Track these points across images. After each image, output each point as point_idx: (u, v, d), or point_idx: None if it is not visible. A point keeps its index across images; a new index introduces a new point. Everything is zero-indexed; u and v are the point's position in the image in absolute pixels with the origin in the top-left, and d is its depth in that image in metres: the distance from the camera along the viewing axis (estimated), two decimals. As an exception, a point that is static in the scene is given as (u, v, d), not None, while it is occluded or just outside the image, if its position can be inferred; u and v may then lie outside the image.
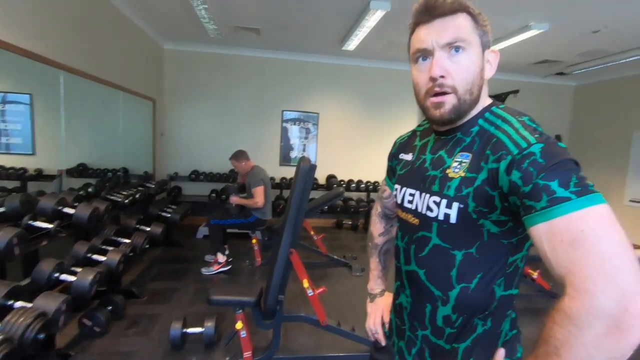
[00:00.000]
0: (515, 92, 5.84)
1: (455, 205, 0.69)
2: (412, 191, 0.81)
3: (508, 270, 0.71)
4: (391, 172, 1.00)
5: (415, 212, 0.79)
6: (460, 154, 0.72)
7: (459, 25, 0.68)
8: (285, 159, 5.75)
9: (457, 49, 0.68)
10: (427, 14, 0.70)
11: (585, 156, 5.92)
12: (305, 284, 2.07)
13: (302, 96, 5.66)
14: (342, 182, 5.64)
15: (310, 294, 2.07)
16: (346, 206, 5.39)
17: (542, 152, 0.59)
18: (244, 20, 4.17)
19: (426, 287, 0.76)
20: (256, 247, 3.73)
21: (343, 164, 5.77)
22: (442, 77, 0.68)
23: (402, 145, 0.95)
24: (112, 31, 3.67)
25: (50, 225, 2.15)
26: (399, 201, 0.86)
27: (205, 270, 3.50)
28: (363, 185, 5.61)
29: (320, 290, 2.11)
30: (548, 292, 3.21)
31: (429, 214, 0.74)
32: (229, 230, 3.73)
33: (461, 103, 0.70)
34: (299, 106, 5.67)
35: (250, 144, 5.51)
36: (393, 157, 0.98)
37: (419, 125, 0.93)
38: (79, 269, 2.11)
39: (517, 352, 0.76)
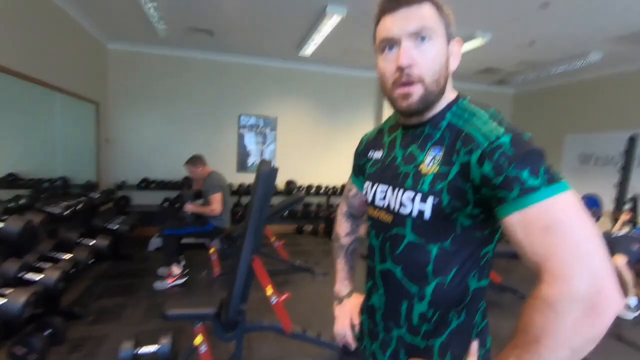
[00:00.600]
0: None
1: (430, 199, 0.68)
2: (384, 187, 0.79)
3: (481, 263, 0.72)
4: (358, 170, 0.98)
5: (387, 209, 0.78)
6: (432, 149, 0.71)
7: (425, 15, 0.67)
8: (242, 166, 5.60)
9: (423, 38, 0.67)
10: (394, 2, 0.69)
11: (525, 158, 6.42)
12: (269, 290, 1.99)
13: (260, 100, 5.57)
14: (301, 187, 5.60)
15: (274, 301, 2.00)
16: (306, 211, 5.36)
17: (511, 143, 0.60)
18: (196, 21, 4.01)
19: (402, 285, 0.75)
20: (214, 257, 3.56)
21: (302, 169, 5.74)
22: (409, 66, 0.67)
23: (369, 142, 0.93)
24: (48, 27, 3.34)
25: (-29, 242, 1.89)
26: (370, 199, 0.84)
27: (158, 284, 3.27)
28: (323, 190, 5.62)
29: (285, 296, 2.04)
30: (498, 285, 3.39)
31: (402, 210, 0.73)
32: (184, 241, 3.53)
33: (428, 93, 0.69)
34: (257, 110, 5.57)
35: (205, 150, 5.27)
36: (360, 155, 0.96)
37: (385, 122, 0.92)
38: (8, 290, 1.86)
39: (487, 342, 0.77)
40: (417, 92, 0.68)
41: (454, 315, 0.73)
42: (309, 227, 5.65)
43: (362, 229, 1.09)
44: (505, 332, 2.80)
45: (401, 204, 0.73)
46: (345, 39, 4.29)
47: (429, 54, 0.67)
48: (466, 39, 4.10)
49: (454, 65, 0.72)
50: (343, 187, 5.65)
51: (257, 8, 3.55)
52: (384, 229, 0.79)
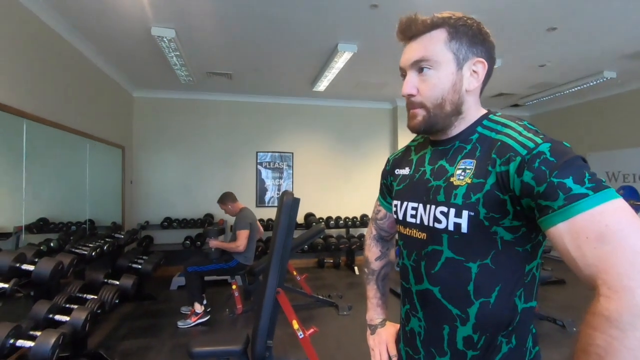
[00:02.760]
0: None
1: (465, 213, 0.66)
2: (415, 204, 0.78)
3: (526, 280, 0.68)
4: (386, 191, 0.97)
5: (421, 226, 0.76)
6: (462, 161, 0.71)
7: (428, 46, 0.71)
8: (260, 201, 5.66)
9: (422, 68, 0.72)
10: (402, 36, 0.75)
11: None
12: (295, 325, 1.94)
13: (276, 137, 5.73)
14: (321, 220, 5.57)
15: (301, 336, 1.94)
16: (327, 244, 5.30)
17: (551, 151, 0.58)
18: (216, 66, 4.26)
19: (442, 306, 0.71)
20: (236, 294, 3.52)
21: (320, 202, 5.75)
22: (410, 95, 0.73)
23: (396, 161, 0.93)
24: (80, 79, 3.61)
25: (5, 285, 1.94)
26: (401, 217, 0.82)
27: (182, 324, 3.23)
28: (342, 222, 5.58)
29: (311, 331, 1.98)
30: (536, 314, 3.20)
31: (437, 225, 0.71)
32: (206, 278, 3.52)
33: (431, 116, 0.72)
34: (273, 147, 5.71)
35: (226, 187, 5.38)
36: (388, 174, 0.95)
37: (413, 141, 0.92)
38: (38, 333, 1.88)
39: None
40: (420, 114, 0.74)
41: (503, 340, 0.68)
42: (330, 260, 5.56)
43: (392, 253, 1.06)
44: (550, 362, 2.59)
45: (435, 219, 0.71)
46: (356, 73, 4.44)
47: (429, 82, 0.71)
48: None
49: (471, 85, 0.72)
50: (363, 217, 5.60)
51: (272, 50, 3.75)
52: (417, 247, 0.76)
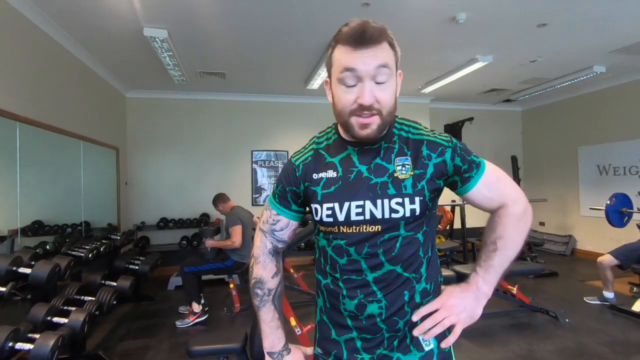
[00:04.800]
0: (470, 119, 6.27)
1: (417, 199, 0.80)
2: (360, 202, 0.80)
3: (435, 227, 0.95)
4: (294, 197, 0.91)
5: (372, 220, 0.80)
6: (398, 158, 0.83)
7: (384, 56, 0.74)
8: (256, 200, 5.67)
9: (381, 80, 0.74)
10: (359, 41, 0.72)
11: (541, 174, 6.34)
12: (293, 322, 1.97)
13: (271, 135, 5.73)
14: (316, 218, 5.60)
15: (298, 333, 1.96)
16: (323, 241, 5.32)
17: (458, 142, 0.87)
18: (209, 66, 4.25)
19: (403, 277, 0.83)
20: (234, 292, 3.55)
21: (316, 199, 5.77)
22: (371, 104, 0.74)
23: (308, 166, 0.89)
24: (73, 81, 3.60)
25: (3, 289, 1.94)
26: (342, 218, 0.81)
27: (180, 323, 3.25)
28: (338, 219, 5.61)
29: (309, 327, 2.01)
30: (529, 306, 3.25)
31: (393, 215, 0.80)
32: (204, 277, 3.54)
33: (384, 123, 0.78)
34: (268, 145, 5.72)
35: (221, 186, 5.39)
36: (300, 180, 0.88)
37: (316, 144, 0.93)
38: (37, 335, 1.88)
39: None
40: (375, 122, 0.76)
41: (441, 280, 0.92)
42: (326, 258, 5.59)
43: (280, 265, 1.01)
44: (542, 353, 2.65)
45: (392, 210, 0.80)
46: (350, 71, 4.45)
47: (388, 92, 0.76)
48: (468, 62, 4.21)
49: (398, 93, 0.81)
50: (358, 214, 5.64)
51: (265, 49, 3.76)
52: (370, 239, 0.81)
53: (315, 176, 0.86)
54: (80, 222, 3.68)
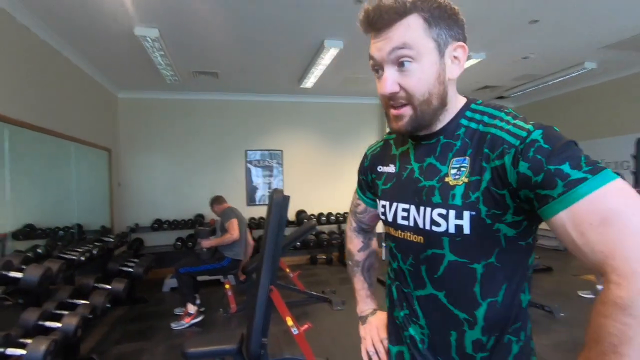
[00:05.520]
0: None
1: (467, 214, 0.62)
2: (406, 206, 0.72)
3: (529, 273, 0.67)
4: (365, 186, 0.92)
5: (416, 229, 0.70)
6: (455, 159, 0.66)
7: (405, 36, 0.62)
8: (251, 200, 5.65)
9: (403, 62, 0.63)
10: (370, 28, 0.66)
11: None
12: (289, 321, 1.96)
13: (265, 135, 5.71)
14: (312, 216, 5.59)
15: (295, 333, 1.95)
16: (319, 240, 5.32)
17: (544, 137, 0.56)
18: (201, 65, 4.22)
19: (449, 312, 0.67)
20: (230, 293, 3.52)
21: (311, 199, 5.77)
22: (393, 93, 0.65)
23: (375, 156, 0.87)
24: (63, 82, 3.54)
25: (-7, 293, 1.90)
26: (390, 219, 0.77)
27: (175, 325, 3.22)
28: (333, 218, 5.60)
29: (305, 327, 2.00)
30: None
31: (435, 228, 0.66)
32: (199, 278, 3.51)
33: (419, 114, 0.65)
34: (263, 145, 5.69)
35: (215, 186, 5.39)
36: (367, 170, 0.89)
37: (389, 133, 0.86)
38: (29, 340, 1.85)
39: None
40: (407, 113, 0.66)
41: (513, 338, 0.66)
42: (322, 257, 5.59)
43: (375, 243, 1.04)
44: (538, 348, 2.68)
45: (432, 222, 0.66)
46: (343, 68, 4.45)
47: (414, 77, 0.63)
48: (461, 59, 4.21)
49: (454, 73, 0.66)
50: (353, 213, 5.64)
51: (258, 48, 3.73)
52: (414, 251, 0.72)
53: (380, 169, 0.84)
54: (73, 224, 3.63)
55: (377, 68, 0.67)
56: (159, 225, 5.05)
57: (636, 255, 0.46)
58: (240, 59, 4.05)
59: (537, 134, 0.57)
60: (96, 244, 3.52)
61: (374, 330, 0.92)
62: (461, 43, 0.67)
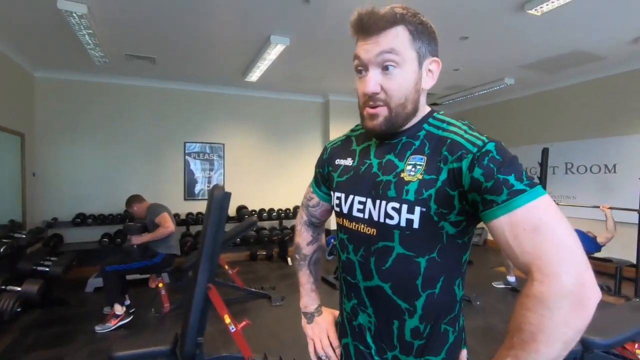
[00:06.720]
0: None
1: (418, 209, 0.67)
2: (362, 199, 0.76)
3: (463, 270, 0.74)
4: (321, 179, 0.94)
5: (370, 221, 0.74)
6: (412, 157, 0.71)
7: (393, 43, 0.68)
8: (189, 193, 5.41)
9: (388, 67, 0.69)
10: (361, 31, 0.70)
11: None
12: (227, 319, 1.94)
13: (206, 127, 5.49)
14: (253, 212, 5.53)
15: (232, 330, 1.94)
16: (259, 236, 5.28)
17: (496, 150, 0.63)
18: (136, 48, 3.92)
19: (392, 302, 0.72)
20: (163, 292, 3.36)
21: (253, 194, 5.69)
22: (375, 93, 0.70)
23: (335, 150, 0.90)
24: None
25: None
26: (345, 210, 0.80)
27: (99, 328, 2.98)
28: (275, 214, 5.59)
29: (243, 324, 2.00)
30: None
31: (388, 221, 0.70)
32: (129, 277, 3.29)
33: (393, 116, 0.71)
34: (203, 137, 5.47)
35: (150, 178, 5.08)
36: (325, 163, 0.92)
37: (352, 130, 0.90)
38: None
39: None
40: (382, 113, 0.71)
41: (449, 328, 0.73)
42: (262, 253, 5.56)
43: (323, 239, 1.06)
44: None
45: (387, 215, 0.71)
46: (290, 65, 4.45)
47: (395, 81, 0.69)
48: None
49: (428, 84, 0.73)
50: (296, 209, 5.69)
51: (200, 36, 3.57)
52: (366, 243, 0.75)
53: (337, 162, 0.87)
54: (-26, 218, 3.17)
55: (361, 69, 0.72)
56: (82, 219, 4.60)
57: (557, 259, 0.55)
58: (180, 46, 3.84)
59: (491, 146, 0.64)
60: (4, 240, 3.11)
61: (323, 333, 0.91)
62: (436, 58, 0.74)
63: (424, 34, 0.71)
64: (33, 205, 4.38)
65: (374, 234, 0.73)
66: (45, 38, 3.58)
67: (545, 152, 4.46)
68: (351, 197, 0.79)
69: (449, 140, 0.68)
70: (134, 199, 3.43)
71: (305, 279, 1.00)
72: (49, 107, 4.61)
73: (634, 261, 3.62)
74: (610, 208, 3.76)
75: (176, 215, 5.00)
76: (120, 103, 4.97)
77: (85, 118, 4.80)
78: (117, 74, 4.77)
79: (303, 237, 1.02)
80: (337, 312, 0.96)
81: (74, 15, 2.92)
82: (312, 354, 0.91)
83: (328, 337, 0.90)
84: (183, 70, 4.70)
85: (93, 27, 3.16)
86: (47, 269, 3.21)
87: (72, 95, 4.73)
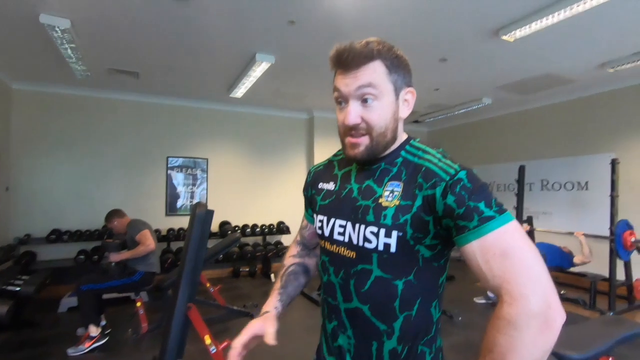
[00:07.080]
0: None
1: (395, 233, 0.70)
2: (343, 222, 0.79)
3: (440, 292, 0.76)
4: (308, 203, 0.97)
5: (349, 245, 0.77)
6: (390, 183, 0.75)
7: (371, 77, 0.72)
8: (171, 208, 5.32)
9: (367, 100, 0.73)
10: (340, 65, 0.74)
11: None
12: (207, 340, 1.89)
13: (190, 142, 5.45)
14: (236, 228, 5.47)
15: (213, 351, 1.90)
16: (242, 252, 5.21)
17: (467, 178, 0.67)
18: (119, 63, 3.90)
19: (371, 324, 0.74)
20: (141, 311, 3.25)
21: (236, 210, 5.64)
22: (356, 125, 0.74)
23: (318, 174, 0.94)
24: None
25: None
26: (327, 234, 0.82)
27: (72, 351, 2.85)
28: (258, 230, 5.55)
29: (225, 344, 1.95)
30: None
31: (367, 245, 0.73)
32: (105, 296, 3.18)
33: (374, 145, 0.75)
34: (186, 152, 5.42)
35: (131, 193, 4.98)
36: (310, 186, 0.95)
37: (335, 155, 0.94)
38: None
39: None
40: (364, 142, 0.75)
41: (426, 349, 0.74)
42: (245, 269, 5.47)
43: (312, 263, 1.03)
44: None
45: (365, 239, 0.73)
46: (275, 82, 4.51)
47: (375, 112, 0.73)
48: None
49: (404, 113, 0.78)
50: (279, 225, 5.67)
51: (185, 52, 3.59)
52: (346, 265, 0.77)
53: (320, 185, 0.90)
54: (-60, 235, 3.02)
55: (341, 100, 0.76)
56: (57, 236, 4.44)
57: (525, 282, 0.59)
58: (164, 61, 3.84)
59: (462, 174, 0.68)
60: (-28, 259, 2.98)
61: (248, 332, 0.83)
62: (411, 89, 0.79)
63: (399, 67, 0.76)
64: (5, 221, 4.22)
65: (354, 256, 0.76)
66: (25, 50, 3.52)
67: (522, 170, 4.62)
68: (332, 220, 0.81)
69: (423, 168, 0.72)
70: (114, 214, 3.35)
71: (277, 285, 0.97)
72: (25, 121, 4.50)
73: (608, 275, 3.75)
74: (584, 235, 3.90)
75: (157, 231, 4.88)
76: (101, 116, 4.90)
77: (64, 131, 4.70)
78: (98, 87, 4.71)
79: (290, 252, 1.05)
80: (272, 320, 0.86)
81: (57, 29, 2.90)
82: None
83: (241, 338, 0.82)
84: (167, 86, 4.70)
85: (76, 41, 3.14)
86: (17, 289, 3.08)
87: (50, 108, 4.63)
